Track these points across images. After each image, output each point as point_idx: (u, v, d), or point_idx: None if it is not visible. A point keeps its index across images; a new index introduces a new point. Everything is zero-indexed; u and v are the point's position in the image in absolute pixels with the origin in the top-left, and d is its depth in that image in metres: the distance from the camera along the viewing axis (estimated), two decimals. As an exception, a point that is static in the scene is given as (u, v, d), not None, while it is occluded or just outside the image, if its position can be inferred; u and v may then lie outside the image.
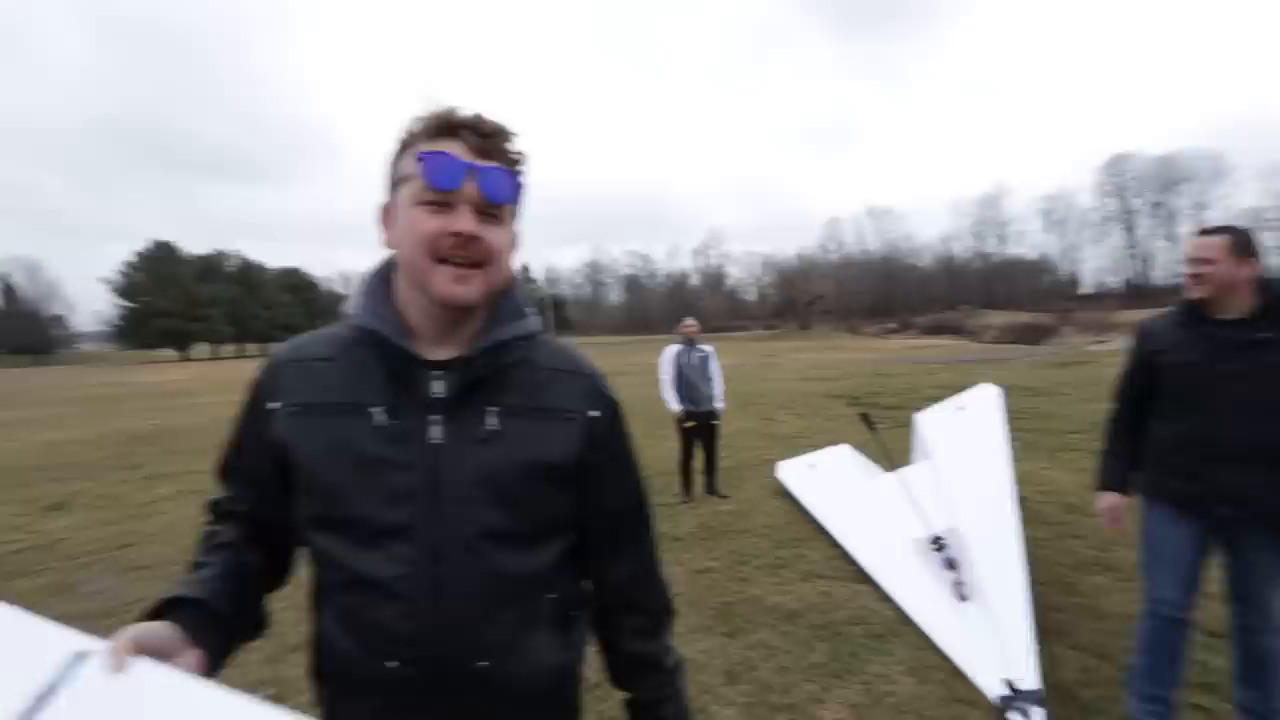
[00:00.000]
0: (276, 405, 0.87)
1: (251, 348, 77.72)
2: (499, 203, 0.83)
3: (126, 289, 67.29)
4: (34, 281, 76.22)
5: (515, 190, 0.85)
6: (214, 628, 0.77)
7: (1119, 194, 73.47)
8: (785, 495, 5.26)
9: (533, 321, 0.92)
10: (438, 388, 0.84)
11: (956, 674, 2.62)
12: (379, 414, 0.84)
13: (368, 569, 0.82)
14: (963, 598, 3.06)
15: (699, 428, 5.45)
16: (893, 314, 70.98)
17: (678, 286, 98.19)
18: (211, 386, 22.75)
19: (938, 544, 3.42)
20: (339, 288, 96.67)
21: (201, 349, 72.14)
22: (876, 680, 2.60)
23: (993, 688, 2.44)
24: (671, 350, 5.48)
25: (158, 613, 0.74)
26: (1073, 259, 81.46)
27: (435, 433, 0.84)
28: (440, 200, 0.80)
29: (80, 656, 0.65)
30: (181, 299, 66.94)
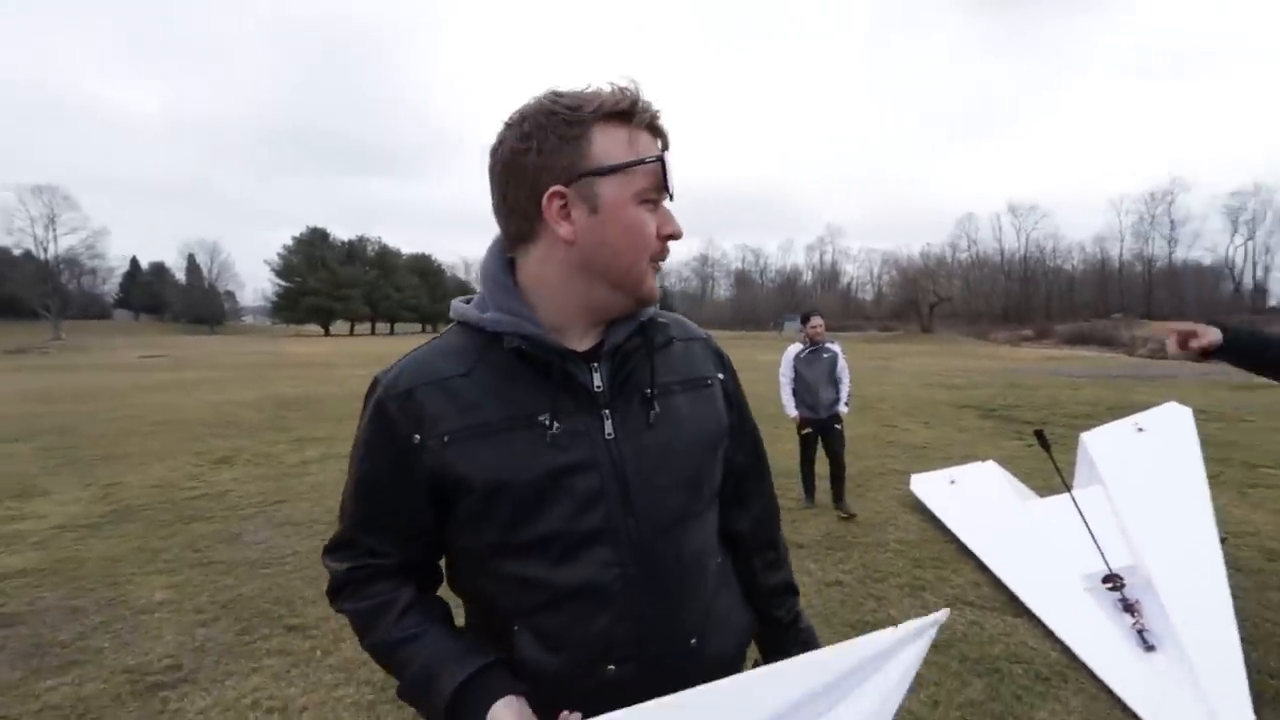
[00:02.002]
0: (419, 437, 0.77)
1: (382, 326, 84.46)
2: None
3: (283, 269, 75.05)
4: (213, 261, 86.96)
5: None
6: (515, 676, 0.79)
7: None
8: (919, 509, 4.87)
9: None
10: (596, 380, 0.80)
11: (1148, 736, 2.25)
12: (546, 419, 0.77)
13: (573, 580, 0.77)
14: (1148, 647, 2.65)
15: (820, 435, 5.07)
16: (1028, 320, 64.90)
17: (789, 282, 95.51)
18: (348, 360, 24.92)
19: (1113, 582, 3.00)
20: (461, 273, 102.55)
21: (341, 325, 79.21)
22: (1048, 731, 2.29)
23: (1200, 760, 2.08)
24: (792, 351, 5.14)
25: (462, 688, 0.75)
26: (1263, 265, 70.29)
27: (608, 427, 0.79)
28: (655, 200, 0.79)
29: None
30: (328, 280, 73.62)
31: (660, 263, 0.81)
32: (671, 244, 0.82)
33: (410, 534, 0.83)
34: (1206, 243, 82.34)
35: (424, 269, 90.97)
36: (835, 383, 5.04)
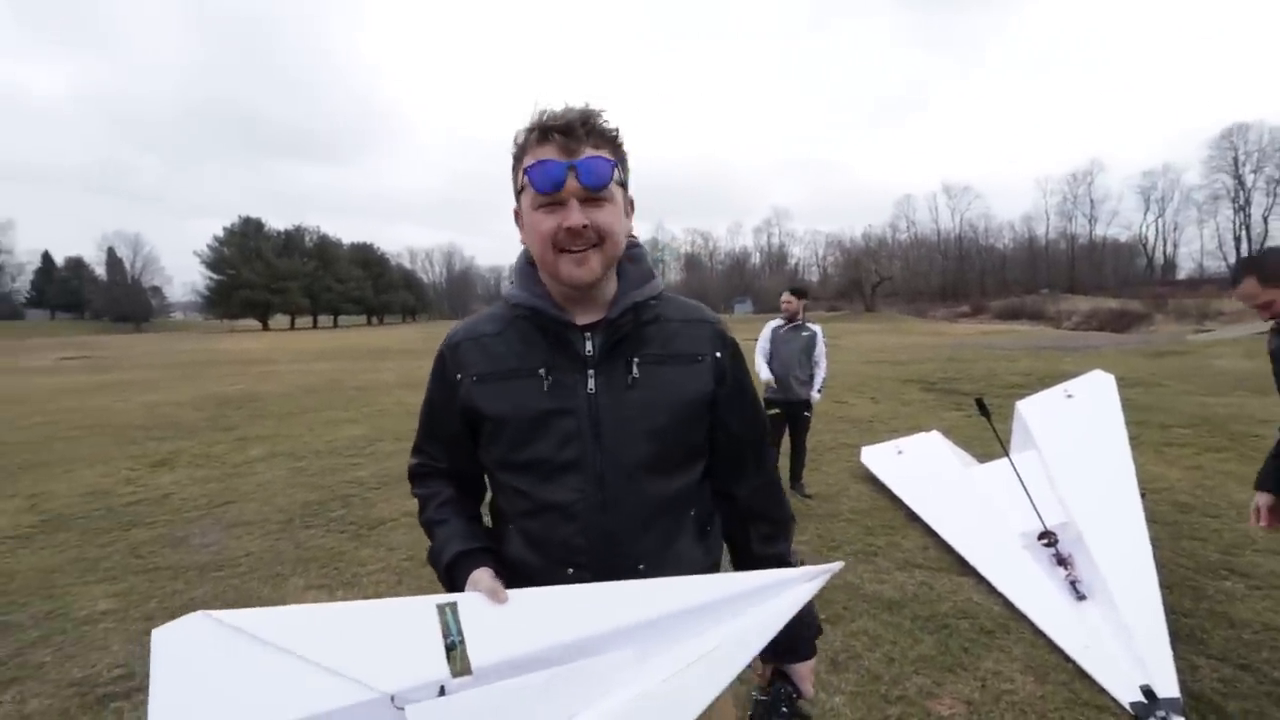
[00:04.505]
0: (460, 376, 1.04)
1: (324, 319, 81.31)
2: (599, 188, 0.93)
3: (215, 262, 71.04)
4: (136, 255, 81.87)
5: (612, 170, 0.94)
6: (495, 560, 1.01)
7: (1234, 169, 65.69)
8: (869, 480, 5.07)
9: (658, 282, 1.07)
10: (589, 347, 1.00)
11: (1080, 675, 2.44)
12: (544, 374, 0.99)
13: (550, 497, 0.99)
14: (1080, 596, 2.86)
15: (787, 420, 4.83)
16: (965, 297, 67.71)
17: (738, 265, 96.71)
18: (289, 355, 23.96)
19: (1048, 539, 3.21)
20: (406, 262, 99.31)
21: (280, 320, 75.87)
22: (992, 677, 2.45)
23: (1126, 693, 2.27)
24: (770, 326, 4.89)
25: (454, 560, 1.00)
26: (1172, 241, 75.15)
27: (590, 384, 0.99)
28: (551, 201, 0.93)
29: (450, 606, 0.86)
30: (264, 272, 70.09)
31: (575, 249, 0.94)
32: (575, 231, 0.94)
33: (454, 446, 1.10)
34: (1123, 220, 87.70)
35: (367, 259, 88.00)
36: (812, 364, 4.79)
